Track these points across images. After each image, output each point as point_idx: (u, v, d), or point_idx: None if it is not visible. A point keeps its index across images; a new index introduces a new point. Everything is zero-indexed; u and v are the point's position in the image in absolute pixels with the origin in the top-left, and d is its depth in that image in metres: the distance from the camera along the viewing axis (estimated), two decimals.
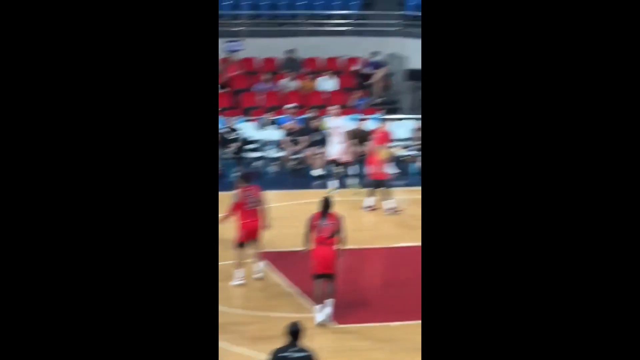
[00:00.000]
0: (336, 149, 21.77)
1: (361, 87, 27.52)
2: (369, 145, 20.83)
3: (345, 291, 14.94)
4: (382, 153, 19.94)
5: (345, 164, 22.05)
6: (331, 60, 28.01)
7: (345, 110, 25.68)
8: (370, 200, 20.01)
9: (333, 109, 22.99)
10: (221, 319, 13.29)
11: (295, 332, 9.63)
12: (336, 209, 14.10)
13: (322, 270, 13.57)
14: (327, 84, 27.27)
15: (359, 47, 28.10)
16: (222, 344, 12.22)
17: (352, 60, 28.25)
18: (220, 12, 27.17)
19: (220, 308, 13.44)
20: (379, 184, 19.88)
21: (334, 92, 27.19)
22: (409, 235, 17.88)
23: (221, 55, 26.50)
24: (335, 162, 21.94)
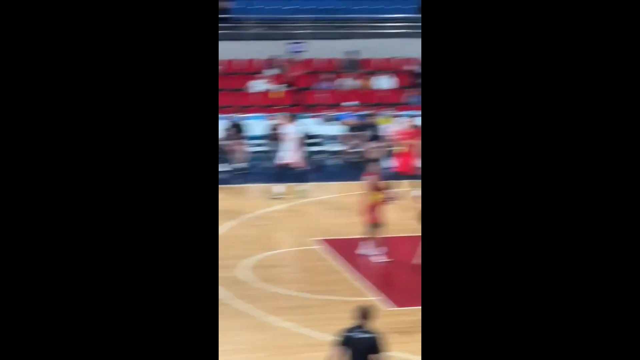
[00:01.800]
0: (288, 154, 21.43)
1: (414, 86, 27.95)
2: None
3: None
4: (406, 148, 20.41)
5: (297, 168, 21.70)
6: (387, 60, 28.67)
7: (400, 107, 26.92)
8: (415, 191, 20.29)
9: (281, 116, 22.49)
10: (288, 302, 14.66)
11: (363, 314, 9.83)
12: None
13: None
14: (383, 82, 27.95)
15: (413, 48, 28.17)
16: (288, 324, 13.61)
17: (406, 61, 28.91)
18: (283, 16, 29.00)
19: (287, 292, 15.07)
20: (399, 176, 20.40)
21: (389, 91, 28.00)
22: None
23: (285, 56, 28.01)
24: (287, 166, 21.51)
